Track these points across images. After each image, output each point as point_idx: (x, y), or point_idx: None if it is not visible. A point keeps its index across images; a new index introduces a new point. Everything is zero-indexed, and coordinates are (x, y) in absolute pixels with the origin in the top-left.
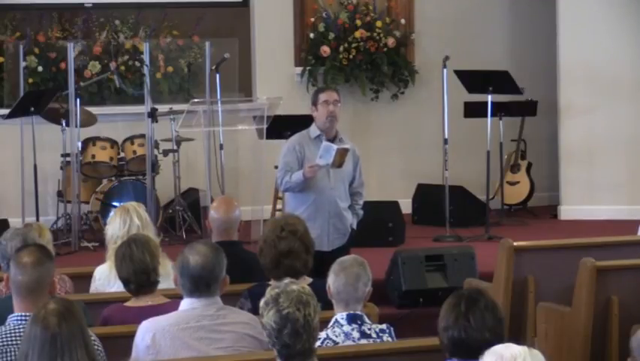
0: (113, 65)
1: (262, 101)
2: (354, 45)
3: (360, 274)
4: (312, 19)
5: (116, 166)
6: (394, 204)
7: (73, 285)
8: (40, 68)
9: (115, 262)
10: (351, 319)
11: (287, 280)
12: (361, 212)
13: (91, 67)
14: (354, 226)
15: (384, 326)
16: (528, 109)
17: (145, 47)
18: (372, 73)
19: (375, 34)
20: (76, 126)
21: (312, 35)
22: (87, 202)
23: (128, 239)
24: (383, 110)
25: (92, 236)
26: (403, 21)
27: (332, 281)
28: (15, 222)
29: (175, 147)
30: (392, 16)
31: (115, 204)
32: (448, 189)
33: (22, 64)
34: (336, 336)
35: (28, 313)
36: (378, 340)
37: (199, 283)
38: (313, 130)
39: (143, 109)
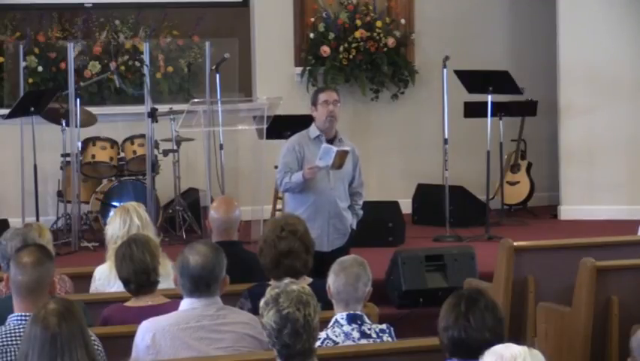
0: (113, 65)
1: (262, 101)
2: (354, 45)
3: (360, 274)
4: (312, 19)
5: (116, 166)
6: (394, 204)
7: (73, 285)
8: (40, 68)
9: (115, 262)
10: (351, 319)
11: (287, 280)
12: (361, 212)
13: (91, 67)
14: (354, 226)
15: (384, 326)
16: (528, 109)
17: (145, 47)
18: (372, 73)
19: (375, 34)
20: (76, 126)
21: (312, 35)
22: (87, 202)
23: (128, 239)
24: (383, 110)
25: (92, 236)
26: (403, 21)
27: (332, 281)
28: (15, 222)
29: (175, 147)
30: (392, 16)
31: (115, 204)
32: (448, 189)
33: (22, 64)
34: (336, 336)
35: (28, 313)
36: (378, 340)
37: (199, 283)
38: (313, 130)
39: (143, 109)
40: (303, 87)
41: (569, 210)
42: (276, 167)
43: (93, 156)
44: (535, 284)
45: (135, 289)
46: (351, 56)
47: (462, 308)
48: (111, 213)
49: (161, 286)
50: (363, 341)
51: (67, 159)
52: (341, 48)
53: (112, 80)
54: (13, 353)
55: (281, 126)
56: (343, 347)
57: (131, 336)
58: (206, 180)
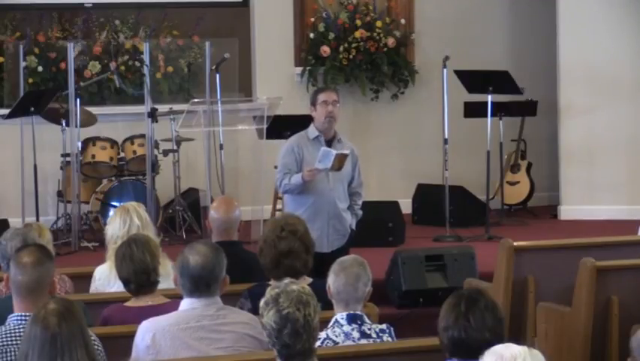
0: (113, 65)
1: (262, 101)
2: (354, 45)
3: (360, 274)
4: (312, 19)
5: (116, 166)
6: (394, 204)
7: (73, 285)
8: (40, 68)
9: (115, 262)
10: (351, 319)
11: (287, 280)
12: (360, 212)
13: (91, 67)
14: (353, 227)
15: (384, 326)
16: (528, 109)
17: (145, 47)
18: (372, 73)
19: (375, 34)
20: (76, 126)
21: (312, 35)
22: (87, 202)
23: (128, 239)
24: (383, 110)
25: (92, 236)
26: (403, 21)
27: (332, 281)
28: (15, 222)
29: (175, 147)
30: (392, 16)
31: (115, 204)
32: (448, 189)
33: (22, 64)
34: (336, 336)
35: (28, 313)
36: (378, 340)
37: (199, 283)
38: (312, 131)
39: (143, 109)
40: (303, 87)
41: (569, 210)
42: (276, 167)
43: (93, 156)
44: (535, 284)
45: (135, 289)
46: (351, 56)
47: (462, 308)
48: (111, 213)
49: (161, 286)
50: (363, 341)
51: (67, 159)
52: (341, 48)
53: (112, 80)
54: (13, 353)
55: (281, 126)
56: (343, 347)
57: (131, 336)
58: (206, 180)
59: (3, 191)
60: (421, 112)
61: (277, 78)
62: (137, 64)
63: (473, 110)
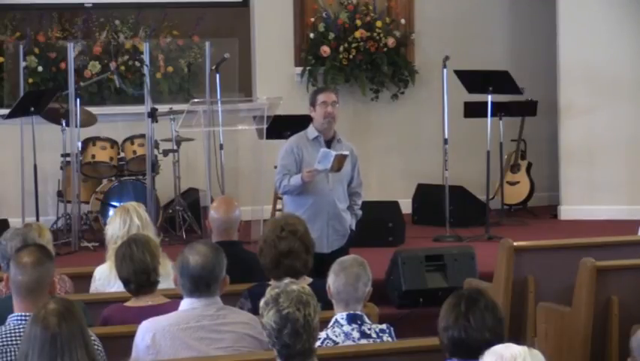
0: (113, 65)
1: (262, 101)
2: (354, 45)
3: (360, 274)
4: (312, 19)
5: (116, 166)
6: (394, 204)
7: (73, 285)
8: (40, 68)
9: (115, 262)
10: (351, 319)
11: (287, 280)
12: (360, 212)
13: (91, 67)
14: (353, 227)
15: (384, 326)
16: (528, 109)
17: (145, 47)
18: (372, 73)
19: (375, 34)
20: (76, 126)
21: (312, 35)
22: (87, 202)
23: (128, 239)
24: (383, 110)
25: (92, 236)
26: (403, 21)
27: (332, 281)
28: (15, 222)
29: (175, 147)
30: (392, 16)
31: (115, 204)
32: (448, 189)
33: (22, 64)
34: (336, 336)
35: (28, 313)
36: (378, 340)
37: (199, 283)
38: (311, 131)
39: (143, 109)
40: (303, 87)
41: (569, 210)
42: (275, 167)
43: (93, 156)
44: (535, 284)
45: (135, 289)
46: (351, 56)
47: (462, 308)
48: (111, 213)
49: (161, 286)
50: (363, 341)
51: (67, 159)
52: (341, 48)
53: (112, 80)
54: (13, 353)
55: (281, 126)
56: (343, 347)
57: (131, 336)
58: (206, 180)
59: (3, 191)
60: (421, 112)
61: (277, 78)
62: (137, 64)
63: (473, 110)
